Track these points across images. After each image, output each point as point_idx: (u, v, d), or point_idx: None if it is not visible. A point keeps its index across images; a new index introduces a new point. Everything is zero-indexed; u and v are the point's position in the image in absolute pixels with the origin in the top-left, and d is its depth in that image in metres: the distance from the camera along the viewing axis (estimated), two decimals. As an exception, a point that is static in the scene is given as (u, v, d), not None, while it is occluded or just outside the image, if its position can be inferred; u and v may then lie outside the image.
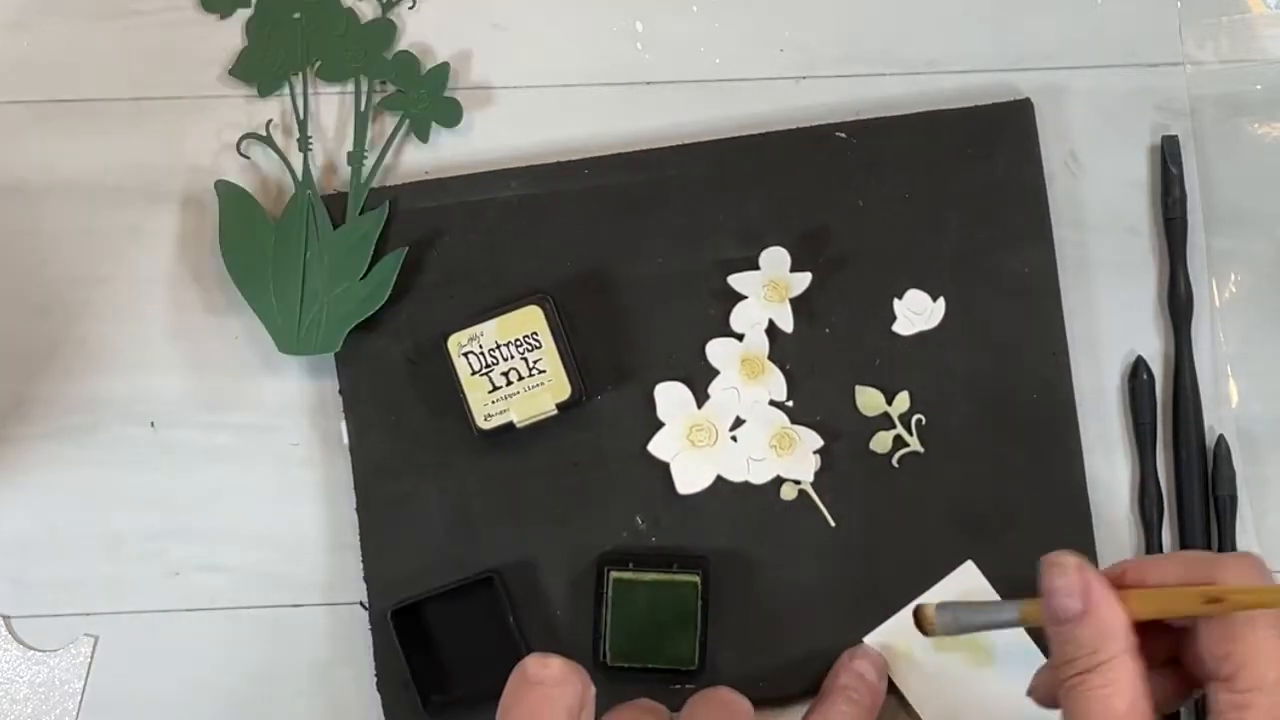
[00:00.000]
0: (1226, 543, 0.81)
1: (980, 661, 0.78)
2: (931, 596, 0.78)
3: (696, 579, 0.77)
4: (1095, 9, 0.85)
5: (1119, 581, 0.66)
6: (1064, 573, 0.64)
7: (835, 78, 0.84)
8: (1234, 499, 0.81)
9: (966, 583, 0.79)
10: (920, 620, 0.70)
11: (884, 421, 0.80)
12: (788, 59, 0.84)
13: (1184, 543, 0.81)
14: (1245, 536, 0.82)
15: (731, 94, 0.84)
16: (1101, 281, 0.83)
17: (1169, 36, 0.85)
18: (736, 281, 0.80)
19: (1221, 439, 0.82)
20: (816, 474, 0.80)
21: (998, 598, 0.78)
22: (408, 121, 0.83)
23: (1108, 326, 0.83)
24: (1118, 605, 0.64)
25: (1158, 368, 0.83)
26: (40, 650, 0.81)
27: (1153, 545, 0.81)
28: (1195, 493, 0.82)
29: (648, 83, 0.84)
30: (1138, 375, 0.82)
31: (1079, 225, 0.83)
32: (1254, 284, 0.84)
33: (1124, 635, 0.63)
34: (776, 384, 0.80)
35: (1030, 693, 0.71)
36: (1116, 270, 0.83)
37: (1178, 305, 0.82)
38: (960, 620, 0.70)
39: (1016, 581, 0.78)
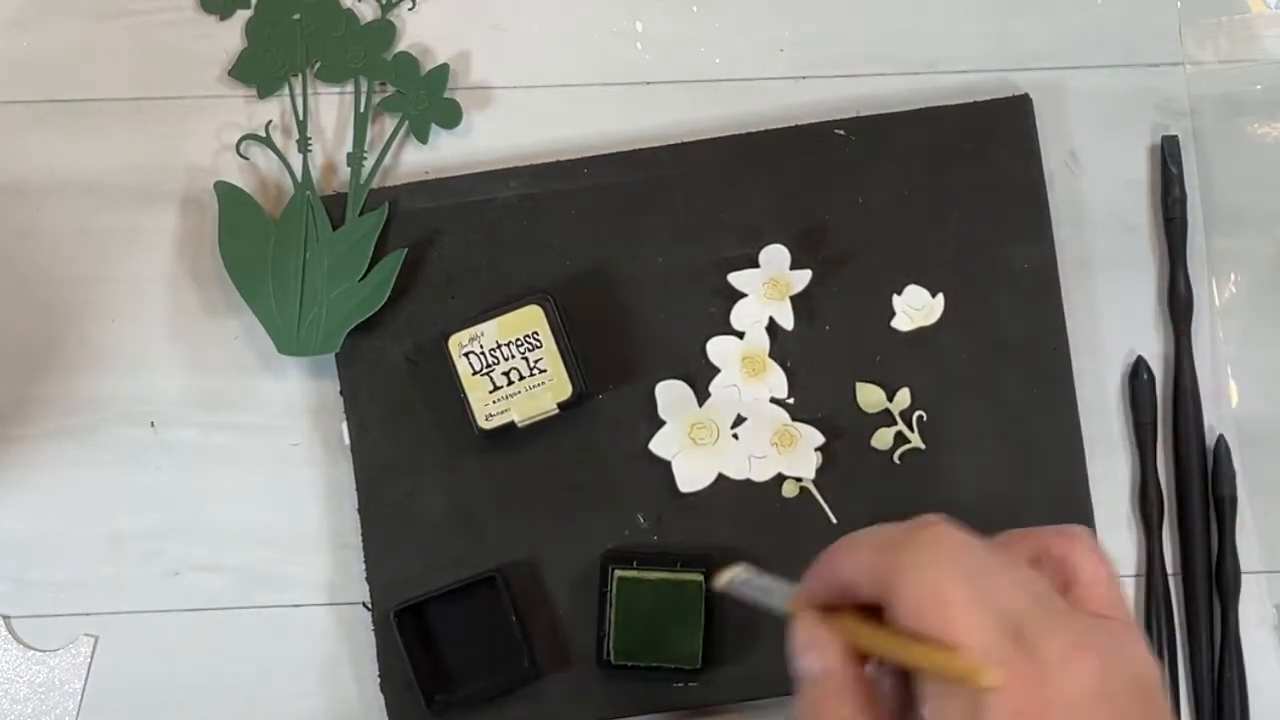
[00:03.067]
0: (1226, 542, 0.81)
1: (982, 660, 0.77)
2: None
3: (700, 577, 0.77)
4: (1095, 9, 0.85)
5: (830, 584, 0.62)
6: (800, 631, 0.62)
7: (835, 77, 0.84)
8: (1234, 499, 0.82)
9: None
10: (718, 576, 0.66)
11: (885, 418, 0.80)
12: (788, 59, 0.84)
13: (1184, 542, 0.81)
14: (1245, 536, 0.82)
15: (731, 94, 0.84)
16: (1101, 281, 0.83)
17: (1169, 36, 0.85)
18: (737, 279, 0.80)
19: (1221, 439, 0.82)
20: (818, 471, 0.80)
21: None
22: (407, 122, 0.83)
23: (1108, 326, 0.83)
24: (858, 675, 0.60)
25: (1158, 368, 0.83)
26: (40, 650, 0.81)
27: (1153, 545, 0.81)
28: (1195, 492, 0.82)
29: (648, 83, 0.84)
30: (1138, 375, 0.82)
31: (1079, 225, 0.84)
32: (1254, 284, 0.84)
33: (863, 698, 0.60)
34: (777, 381, 0.80)
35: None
36: (1116, 270, 0.84)
37: (1178, 305, 0.83)
38: (743, 588, 0.65)
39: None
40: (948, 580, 0.58)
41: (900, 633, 0.59)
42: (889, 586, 0.59)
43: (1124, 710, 0.58)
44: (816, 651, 0.61)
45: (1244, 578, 0.81)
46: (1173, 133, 0.84)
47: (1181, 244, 0.83)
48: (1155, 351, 0.83)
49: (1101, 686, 0.58)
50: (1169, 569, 0.82)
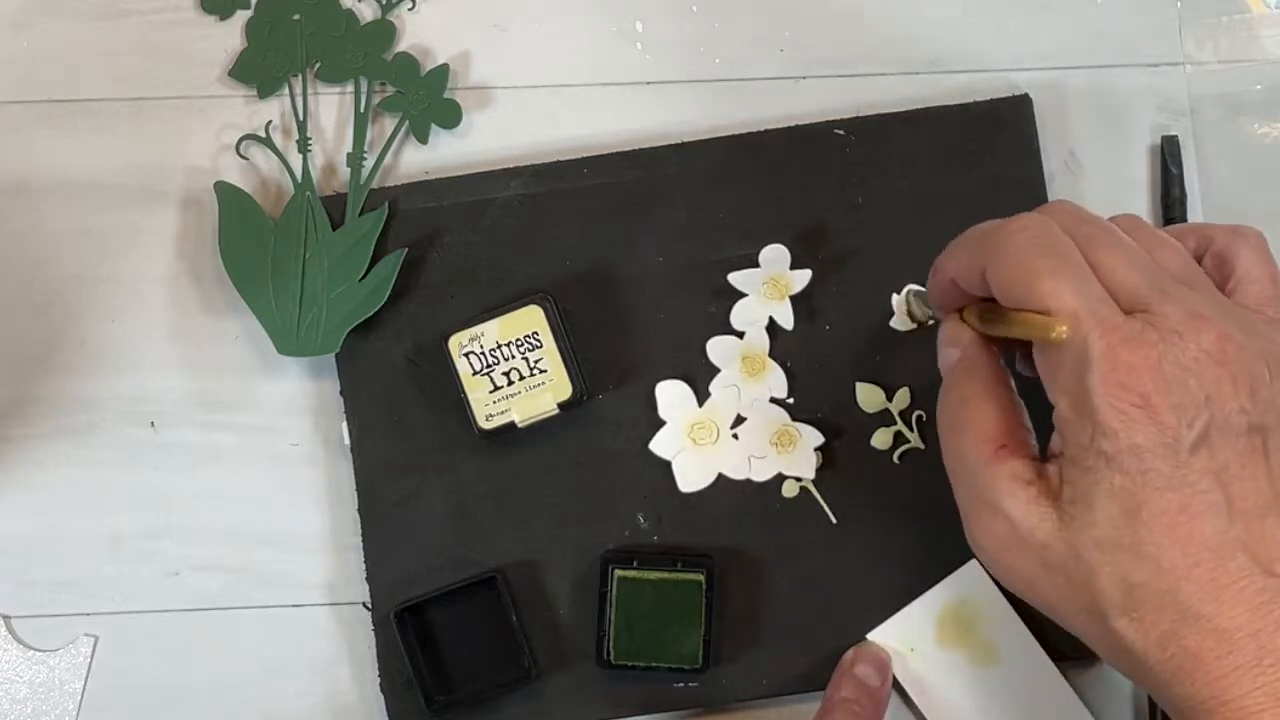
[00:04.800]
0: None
1: (984, 660, 0.78)
2: (935, 595, 0.78)
3: (701, 577, 0.77)
4: (1095, 9, 0.85)
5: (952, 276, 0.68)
6: (941, 331, 0.70)
7: (835, 78, 0.84)
8: (1235, 498, 0.81)
9: (970, 581, 0.78)
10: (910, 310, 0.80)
11: (885, 418, 0.80)
12: (788, 59, 0.84)
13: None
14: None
15: (731, 94, 0.84)
16: (1102, 281, 0.83)
17: (1169, 36, 0.85)
18: (736, 279, 0.80)
19: (1222, 439, 0.82)
20: (818, 471, 0.80)
21: (1001, 597, 0.78)
22: (407, 123, 0.83)
23: (1108, 326, 0.83)
24: (986, 359, 0.67)
25: (1158, 367, 0.83)
26: (40, 650, 0.80)
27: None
28: (1196, 492, 0.81)
29: (648, 83, 0.84)
30: (1138, 374, 0.82)
31: (1079, 225, 0.83)
32: (1254, 284, 0.84)
33: (988, 375, 0.67)
34: (777, 381, 0.80)
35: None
36: (1117, 270, 0.83)
37: (1178, 305, 0.82)
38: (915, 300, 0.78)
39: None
40: (1031, 257, 0.62)
41: (1004, 310, 0.64)
42: (986, 275, 0.64)
43: (1235, 377, 0.60)
44: (953, 344, 0.69)
45: (1244, 578, 0.81)
46: (1173, 133, 0.84)
47: (1182, 244, 0.83)
48: (1155, 351, 0.83)
49: (1221, 352, 0.59)
50: (1169, 569, 0.81)
